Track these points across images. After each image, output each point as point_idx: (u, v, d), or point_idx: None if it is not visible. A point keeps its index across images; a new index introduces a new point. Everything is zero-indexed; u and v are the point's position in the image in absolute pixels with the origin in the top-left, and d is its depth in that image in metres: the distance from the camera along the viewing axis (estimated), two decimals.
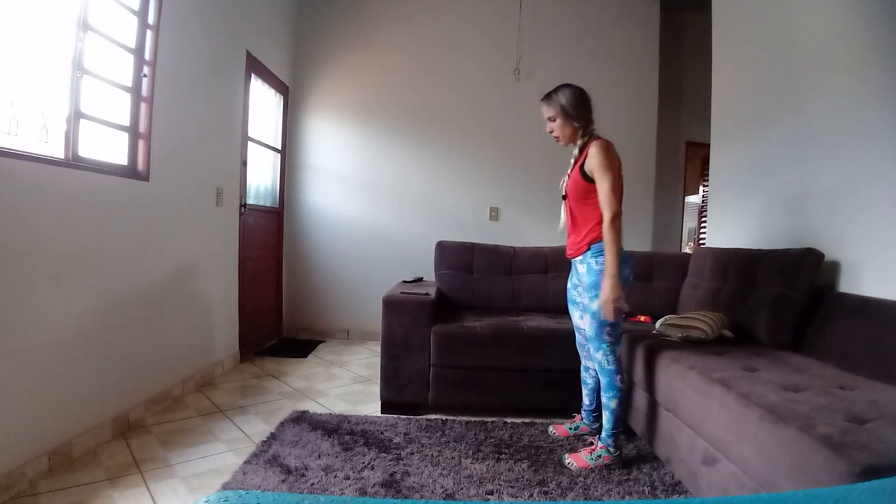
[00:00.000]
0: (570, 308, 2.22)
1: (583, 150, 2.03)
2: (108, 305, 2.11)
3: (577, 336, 2.24)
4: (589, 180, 1.96)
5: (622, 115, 4.22)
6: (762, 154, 2.74)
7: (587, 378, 2.25)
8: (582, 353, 2.25)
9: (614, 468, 1.96)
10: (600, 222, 1.93)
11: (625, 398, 1.99)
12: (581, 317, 2.11)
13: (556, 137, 2.10)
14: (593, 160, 1.94)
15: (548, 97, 2.07)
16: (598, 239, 1.94)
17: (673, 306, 2.93)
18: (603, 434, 2.00)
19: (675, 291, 3.00)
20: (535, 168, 4.23)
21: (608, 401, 1.99)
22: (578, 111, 2.01)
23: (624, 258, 1.92)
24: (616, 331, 1.97)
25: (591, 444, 2.05)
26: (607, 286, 1.86)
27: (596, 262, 1.94)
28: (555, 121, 2.06)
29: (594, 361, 2.02)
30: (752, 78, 2.88)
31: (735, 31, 3.10)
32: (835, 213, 2.19)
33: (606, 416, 1.99)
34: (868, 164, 2.03)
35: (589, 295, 1.96)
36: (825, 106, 2.28)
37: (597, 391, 2.19)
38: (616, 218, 1.86)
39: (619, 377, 1.97)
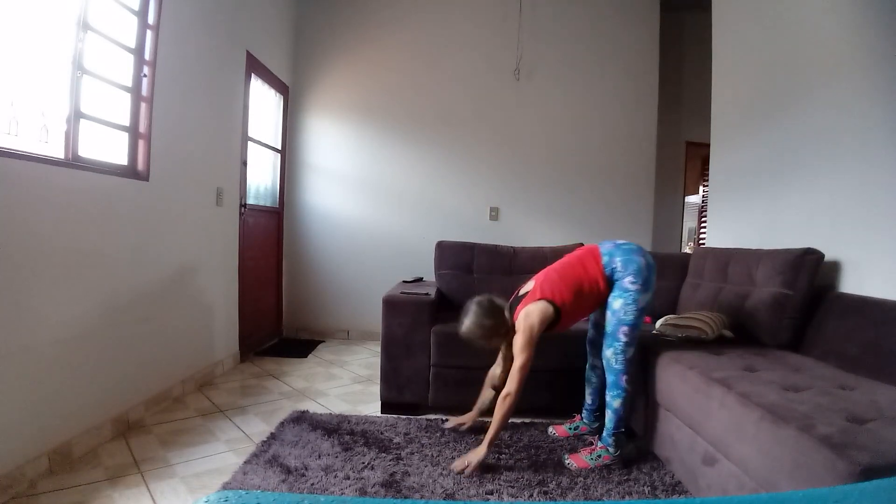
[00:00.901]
0: None
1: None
2: (108, 305, 2.11)
3: (590, 332, 2.24)
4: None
5: (622, 115, 4.22)
6: (762, 154, 2.74)
7: (592, 376, 2.25)
8: (590, 351, 2.25)
9: (614, 468, 1.96)
10: (595, 286, 1.97)
11: (629, 399, 1.99)
12: (602, 312, 2.10)
13: (492, 346, 2.10)
14: (516, 342, 1.94)
15: (463, 330, 2.04)
16: (605, 286, 1.98)
17: (673, 306, 2.93)
18: (604, 433, 1.99)
19: (675, 291, 2.99)
20: (535, 168, 4.23)
21: (612, 399, 1.98)
22: (492, 327, 1.99)
23: (647, 273, 1.95)
24: (633, 332, 1.96)
25: (591, 443, 2.05)
26: (479, 451, 1.89)
27: (624, 282, 1.95)
28: (482, 341, 2.05)
29: (603, 358, 2.01)
30: (752, 78, 2.88)
31: (735, 31, 3.10)
32: (835, 213, 2.19)
33: (609, 416, 1.99)
34: (868, 163, 2.03)
35: (614, 294, 1.98)
36: (825, 106, 2.28)
37: (600, 390, 2.18)
38: (512, 396, 1.87)
39: (625, 377, 1.96)
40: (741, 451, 1.43)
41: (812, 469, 1.17)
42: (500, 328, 2.00)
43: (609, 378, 1.99)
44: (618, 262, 1.97)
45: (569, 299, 1.95)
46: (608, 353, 1.98)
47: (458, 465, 1.91)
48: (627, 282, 1.94)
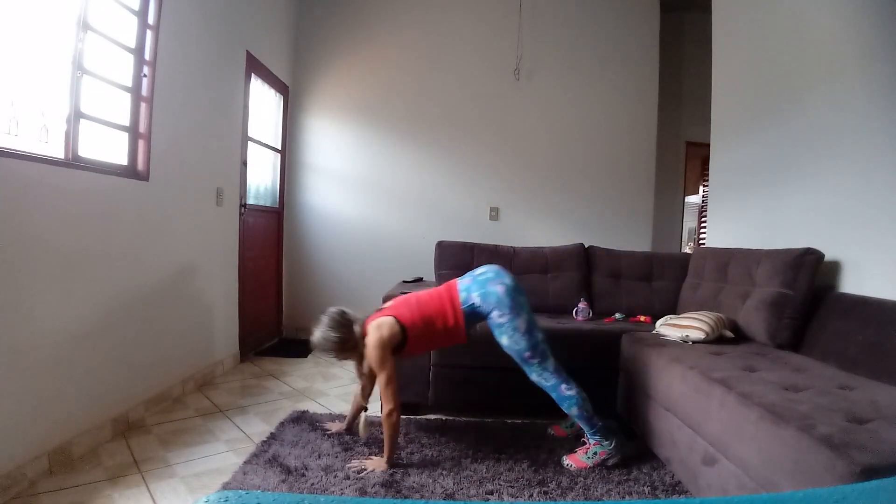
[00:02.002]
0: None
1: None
2: (108, 305, 2.11)
3: None
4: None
5: (622, 115, 4.22)
6: (762, 154, 2.74)
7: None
8: None
9: (612, 464, 1.95)
10: (443, 314, 1.96)
11: (583, 399, 1.97)
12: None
13: (341, 359, 2.10)
14: (369, 358, 1.93)
15: (312, 345, 2.04)
16: (463, 325, 1.97)
17: (673, 306, 2.93)
18: (588, 435, 2.00)
19: (675, 291, 2.99)
20: (535, 168, 4.23)
21: (569, 410, 1.98)
22: (340, 341, 1.97)
23: (510, 298, 1.93)
24: (537, 350, 1.95)
25: (585, 443, 2.04)
26: (378, 462, 1.90)
27: (493, 318, 1.95)
28: (332, 354, 2.04)
29: (535, 383, 2.01)
30: (752, 78, 2.88)
31: (735, 31, 3.10)
32: (835, 213, 2.19)
33: (579, 423, 2.00)
34: (868, 163, 2.03)
35: (494, 333, 1.98)
36: (825, 106, 2.28)
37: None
38: (393, 413, 1.87)
39: (563, 387, 1.96)
40: (741, 451, 1.43)
41: (812, 469, 1.17)
42: (348, 342, 1.97)
43: (553, 396, 1.99)
44: (476, 298, 1.96)
45: (419, 325, 1.93)
46: (533, 377, 1.99)
47: (355, 464, 1.90)
48: (496, 316, 1.94)
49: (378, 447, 2.05)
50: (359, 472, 1.85)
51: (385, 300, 2.54)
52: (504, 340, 1.96)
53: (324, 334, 1.97)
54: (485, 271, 2.03)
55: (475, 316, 1.99)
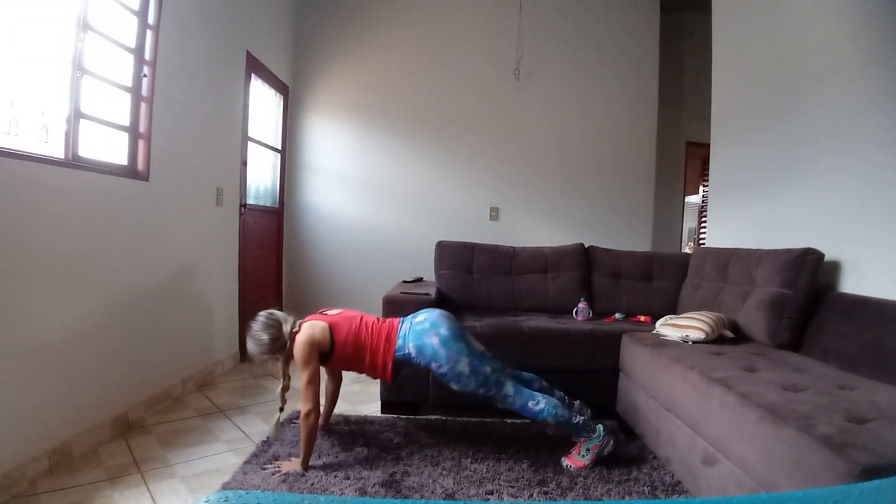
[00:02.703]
0: None
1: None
2: (108, 305, 2.11)
3: None
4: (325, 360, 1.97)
5: (622, 115, 4.22)
6: (762, 154, 2.74)
7: (524, 384, 2.18)
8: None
9: (608, 453, 1.95)
10: (376, 362, 1.96)
11: (554, 406, 1.93)
12: None
13: (275, 359, 2.07)
14: (295, 354, 1.91)
15: (249, 351, 2.03)
16: (390, 369, 1.97)
17: (673, 306, 2.93)
18: (575, 435, 1.99)
19: (675, 291, 2.99)
20: (535, 168, 4.23)
21: (545, 421, 1.94)
22: (271, 342, 1.95)
23: (445, 348, 1.90)
24: (488, 383, 1.91)
25: (576, 442, 2.03)
26: (294, 465, 1.87)
27: (432, 368, 1.93)
28: (268, 356, 2.03)
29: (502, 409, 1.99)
30: (752, 78, 2.88)
31: (735, 30, 3.10)
32: (835, 213, 2.19)
33: (563, 428, 1.97)
34: (868, 163, 2.03)
35: (443, 381, 1.96)
36: (825, 106, 2.28)
37: (545, 389, 2.14)
38: (310, 414, 1.83)
39: (530, 403, 1.93)
40: (741, 450, 1.43)
41: (812, 469, 1.17)
42: (278, 341, 1.96)
43: (525, 415, 1.96)
44: (412, 349, 1.93)
45: (348, 347, 1.92)
46: (499, 406, 1.97)
47: (270, 468, 1.87)
48: (435, 367, 1.92)
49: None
50: (273, 474, 1.82)
51: (385, 301, 2.55)
52: (454, 386, 1.94)
53: (255, 339, 1.96)
54: (422, 320, 1.97)
55: (407, 363, 1.98)
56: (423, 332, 1.93)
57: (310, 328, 1.92)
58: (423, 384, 2.52)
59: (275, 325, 1.97)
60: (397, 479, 1.82)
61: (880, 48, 1.99)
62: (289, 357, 2.00)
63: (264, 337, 1.95)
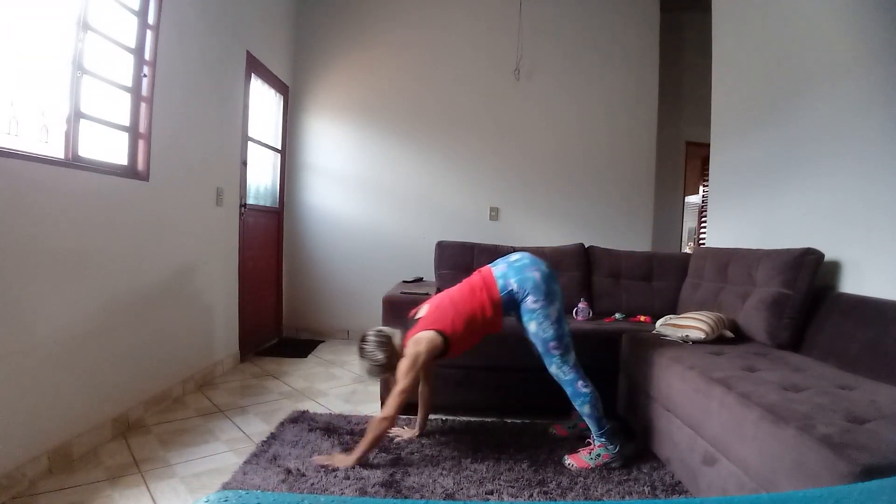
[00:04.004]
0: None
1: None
2: (108, 305, 2.11)
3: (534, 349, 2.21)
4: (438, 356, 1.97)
5: (622, 115, 4.22)
6: (762, 154, 2.74)
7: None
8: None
9: (615, 468, 1.96)
10: (484, 309, 1.96)
11: (596, 399, 1.98)
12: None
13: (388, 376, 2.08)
14: (399, 367, 1.92)
15: (364, 371, 2.03)
16: (501, 312, 1.98)
17: (673, 306, 2.93)
18: (594, 435, 2.00)
19: (675, 291, 2.99)
20: (535, 168, 4.23)
21: (581, 407, 1.98)
22: (386, 361, 1.96)
23: (545, 286, 1.93)
24: (563, 341, 1.96)
25: (589, 443, 2.05)
26: (344, 459, 1.89)
27: (527, 303, 1.95)
28: (384, 374, 2.04)
29: (552, 375, 2.01)
30: (752, 78, 2.88)
31: (735, 31, 3.10)
32: (835, 213, 2.19)
33: (588, 421, 2.00)
34: (868, 163, 2.03)
35: (523, 318, 1.98)
36: (825, 106, 2.28)
37: None
38: (386, 420, 1.87)
39: (580, 383, 1.96)
40: (741, 451, 1.43)
41: (812, 469, 1.17)
42: (394, 359, 1.97)
43: (567, 390, 1.99)
44: (513, 284, 1.95)
45: (460, 329, 1.93)
46: (552, 370, 1.98)
47: (321, 459, 1.91)
48: (530, 302, 1.93)
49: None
50: (322, 466, 1.85)
51: (385, 301, 2.55)
52: (532, 327, 1.95)
53: (371, 359, 1.96)
54: (520, 258, 2.02)
55: (511, 303, 1.98)
56: (524, 266, 1.97)
57: (415, 344, 1.91)
58: None
59: (387, 342, 1.98)
60: (397, 479, 1.82)
61: (880, 48, 1.99)
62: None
63: (380, 356, 1.96)
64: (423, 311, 2.05)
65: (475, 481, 1.83)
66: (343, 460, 1.89)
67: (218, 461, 1.97)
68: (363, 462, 1.89)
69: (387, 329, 2.04)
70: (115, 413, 2.17)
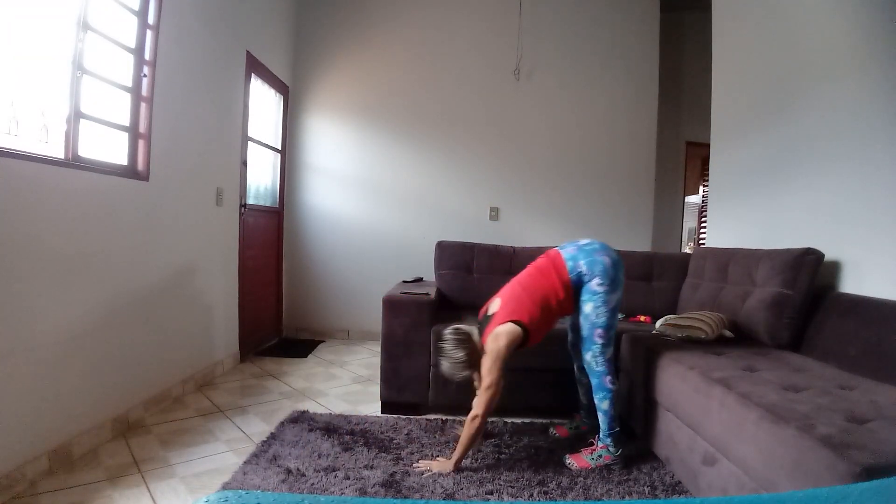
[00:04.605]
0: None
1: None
2: (107, 305, 2.11)
3: (570, 336, 2.23)
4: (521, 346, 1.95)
5: (622, 115, 4.22)
6: (762, 154, 2.74)
7: (582, 377, 2.24)
8: (573, 354, 2.24)
9: (615, 468, 1.96)
10: (558, 294, 1.95)
11: (617, 398, 1.99)
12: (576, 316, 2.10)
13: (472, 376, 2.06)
14: (483, 365, 1.91)
15: (446, 374, 2.00)
16: (573, 292, 1.96)
17: (673, 306, 2.93)
18: (601, 434, 2.00)
19: (675, 291, 2.99)
20: (535, 168, 4.23)
21: (600, 402, 1.99)
22: (467, 359, 1.94)
23: (613, 272, 1.93)
24: (609, 333, 1.96)
25: (592, 443, 2.05)
26: (443, 464, 1.89)
27: (591, 285, 1.94)
28: (465, 374, 2.01)
29: (584, 363, 2.02)
30: (751, 78, 2.88)
31: (735, 31, 3.10)
32: (835, 213, 2.19)
33: (601, 417, 1.99)
34: (868, 163, 2.03)
35: (583, 298, 1.97)
36: (825, 106, 2.28)
37: (591, 390, 2.18)
38: (479, 419, 1.85)
39: (608, 378, 1.97)
40: (741, 451, 1.43)
41: (812, 469, 1.17)
42: (474, 355, 1.95)
43: (593, 381, 2.00)
44: (583, 266, 1.95)
45: (536, 315, 1.92)
46: (587, 356, 1.98)
47: (422, 464, 1.91)
48: (595, 284, 1.93)
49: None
50: (422, 473, 1.85)
51: (385, 301, 2.54)
52: (588, 308, 1.94)
53: (451, 359, 1.94)
54: (590, 242, 2.01)
55: (577, 286, 1.97)
56: (594, 251, 1.97)
57: (495, 339, 1.89)
58: (423, 384, 2.53)
59: (466, 339, 1.96)
60: (397, 479, 1.82)
61: (880, 49, 1.99)
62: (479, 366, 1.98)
63: (460, 354, 1.93)
64: (494, 305, 2.03)
65: (475, 481, 1.83)
66: (443, 465, 1.89)
67: (218, 461, 1.97)
68: (460, 467, 1.89)
69: (464, 326, 2.02)
70: (115, 413, 2.17)
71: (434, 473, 1.86)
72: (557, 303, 1.96)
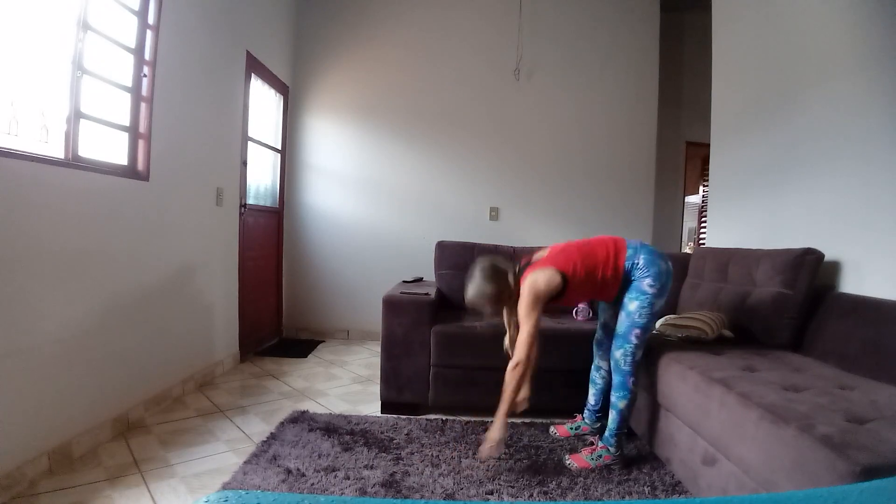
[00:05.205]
0: (601, 304, 2.19)
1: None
2: (108, 305, 2.11)
3: (598, 333, 2.21)
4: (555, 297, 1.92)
5: (622, 115, 4.22)
6: (762, 154, 2.74)
7: (597, 378, 2.23)
8: (597, 352, 2.23)
9: (615, 468, 1.96)
10: (612, 270, 1.92)
11: (633, 401, 1.99)
12: (615, 314, 2.07)
13: (497, 313, 2.05)
14: (519, 307, 1.88)
15: (470, 303, 1.98)
16: (621, 278, 1.93)
17: (673, 306, 2.93)
18: (606, 433, 1.99)
19: (675, 291, 2.99)
20: (535, 168, 4.23)
21: (617, 400, 1.97)
22: (496, 294, 1.92)
23: (665, 279, 1.90)
24: (644, 335, 1.93)
25: (592, 444, 2.05)
26: (496, 426, 1.85)
27: (642, 284, 1.90)
28: (491, 311, 2.00)
29: (612, 359, 1.99)
30: (752, 78, 2.88)
31: (735, 31, 3.10)
32: (835, 213, 2.20)
33: (613, 416, 1.98)
34: (868, 163, 2.03)
35: (629, 295, 1.93)
36: (825, 105, 2.28)
37: (605, 392, 2.18)
38: (521, 364, 1.83)
39: (632, 380, 1.95)
40: (741, 451, 1.43)
41: (812, 469, 1.17)
42: (504, 293, 1.92)
43: (616, 379, 1.98)
44: (641, 260, 1.92)
45: (580, 275, 1.89)
46: (618, 353, 1.96)
47: (482, 451, 1.88)
48: (646, 284, 1.90)
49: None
50: (485, 460, 1.83)
51: (385, 301, 2.54)
52: (633, 307, 1.90)
53: (479, 288, 1.91)
54: (652, 246, 2.00)
55: (627, 277, 1.94)
56: (655, 253, 1.94)
57: (533, 280, 1.86)
58: (423, 384, 2.53)
59: (501, 276, 1.91)
60: (397, 479, 1.82)
61: (880, 48, 1.99)
62: (512, 307, 1.94)
63: (490, 287, 1.90)
64: (540, 254, 2.00)
65: (475, 481, 1.83)
66: (493, 430, 1.84)
67: (218, 461, 1.97)
68: (506, 422, 1.84)
69: (503, 261, 1.96)
70: (115, 413, 2.17)
71: (493, 447, 1.82)
72: (603, 279, 1.92)
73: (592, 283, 1.93)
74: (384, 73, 4.20)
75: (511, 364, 1.85)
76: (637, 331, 1.92)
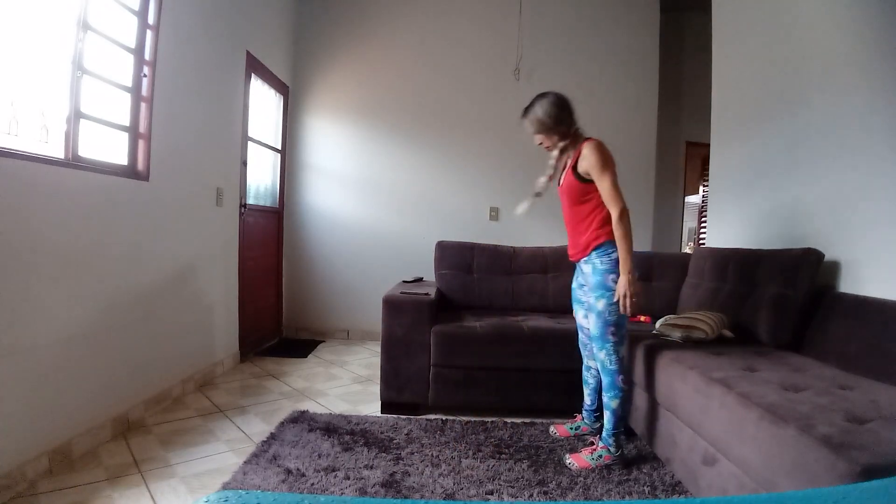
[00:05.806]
0: (575, 307, 2.22)
1: (572, 152, 2.04)
2: (108, 305, 2.11)
3: (580, 335, 2.24)
4: (584, 181, 1.96)
5: (622, 115, 4.22)
6: (762, 154, 2.74)
7: (588, 378, 2.25)
8: (584, 353, 2.25)
9: (615, 468, 1.96)
10: (602, 223, 1.95)
11: (626, 399, 2.00)
12: (586, 316, 2.11)
13: (547, 147, 2.13)
14: (588, 161, 1.94)
15: (525, 113, 2.07)
16: (601, 240, 1.95)
17: (673, 306, 2.93)
18: (604, 434, 1.99)
19: (675, 291, 2.99)
20: (535, 168, 4.19)
21: (609, 401, 1.98)
22: (556, 119, 2.00)
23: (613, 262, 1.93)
24: (621, 331, 1.96)
25: (592, 444, 2.05)
26: (623, 281, 1.86)
27: (601, 262, 1.95)
28: (539, 133, 2.06)
29: (597, 361, 2.02)
30: (752, 78, 2.88)
31: (735, 31, 3.10)
32: (835, 213, 2.19)
33: (607, 416, 1.99)
34: (868, 163, 2.03)
35: (595, 294, 1.96)
36: (825, 105, 2.28)
37: (598, 391, 2.19)
38: (624, 214, 1.87)
39: (620, 377, 1.97)
40: (741, 451, 1.43)
41: (812, 469, 1.17)
42: (565, 124, 1.99)
43: (605, 380, 1.99)
44: (613, 252, 1.94)
45: (600, 199, 1.95)
46: (601, 355, 1.98)
47: (619, 289, 1.87)
48: (610, 280, 1.92)
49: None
50: (615, 302, 1.86)
51: (385, 301, 2.55)
52: (600, 305, 1.93)
53: (547, 109, 1.97)
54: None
55: (591, 250, 1.97)
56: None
57: (603, 146, 1.95)
58: (423, 384, 2.53)
59: (570, 111, 2.00)
60: (397, 479, 1.82)
61: (880, 49, 1.99)
62: (563, 153, 2.04)
63: (555, 111, 1.98)
64: None
65: (475, 481, 1.83)
66: (622, 283, 1.85)
67: (218, 461, 1.97)
68: (632, 272, 1.86)
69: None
70: (115, 413, 2.17)
71: (628, 294, 1.84)
72: (590, 220, 1.97)
73: (590, 212, 1.98)
74: (384, 72, 4.21)
75: (615, 216, 1.87)
76: (612, 328, 1.94)
